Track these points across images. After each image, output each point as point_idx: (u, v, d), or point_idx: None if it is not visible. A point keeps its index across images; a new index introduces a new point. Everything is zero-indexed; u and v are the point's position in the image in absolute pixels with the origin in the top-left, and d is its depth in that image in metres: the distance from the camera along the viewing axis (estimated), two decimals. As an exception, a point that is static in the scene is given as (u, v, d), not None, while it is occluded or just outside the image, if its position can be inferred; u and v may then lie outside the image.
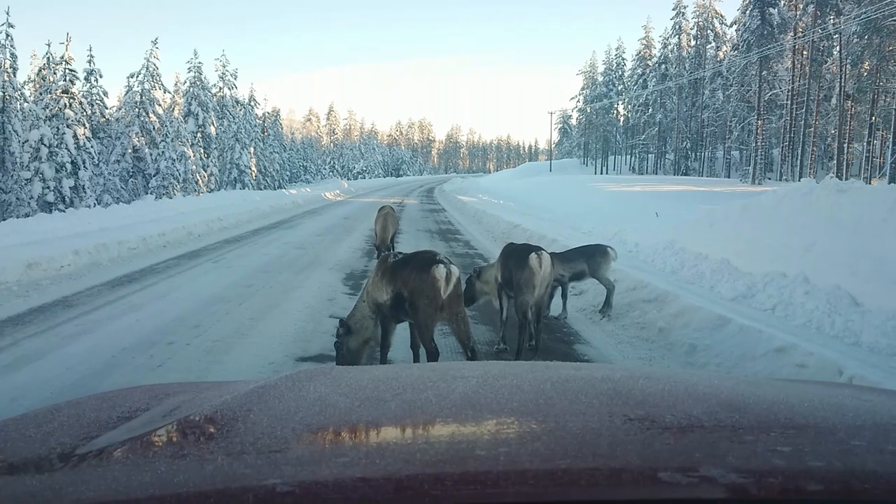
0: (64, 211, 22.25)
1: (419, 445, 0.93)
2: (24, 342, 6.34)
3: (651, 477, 0.78)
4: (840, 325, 6.34)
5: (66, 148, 26.28)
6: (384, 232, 11.63)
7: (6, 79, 28.17)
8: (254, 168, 43.12)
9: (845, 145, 36.66)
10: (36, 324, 7.08)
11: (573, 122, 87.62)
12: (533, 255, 5.74)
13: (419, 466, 0.82)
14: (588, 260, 7.53)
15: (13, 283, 8.93)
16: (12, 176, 26.49)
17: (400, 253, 5.41)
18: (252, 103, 48.82)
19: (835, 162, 37.89)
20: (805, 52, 40.11)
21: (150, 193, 30.75)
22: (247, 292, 8.97)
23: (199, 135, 38.26)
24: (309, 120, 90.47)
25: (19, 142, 26.86)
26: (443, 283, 4.67)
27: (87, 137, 27.81)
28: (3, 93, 27.71)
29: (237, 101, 46.07)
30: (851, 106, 38.01)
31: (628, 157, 74.53)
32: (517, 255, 5.94)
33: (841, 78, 36.57)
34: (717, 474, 0.76)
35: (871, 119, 38.03)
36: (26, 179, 25.81)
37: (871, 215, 8.07)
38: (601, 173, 70.44)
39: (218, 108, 42.43)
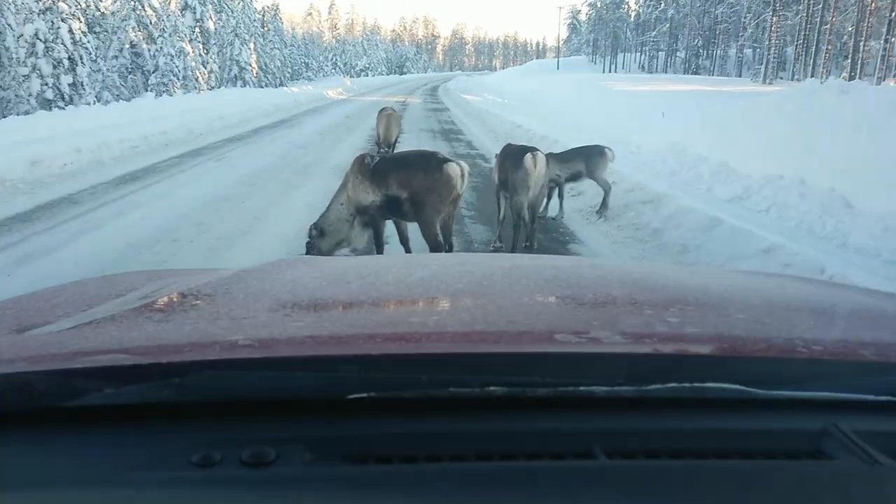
0: (64, 108, 22.09)
1: (363, 315, 1.09)
2: (33, 238, 6.53)
3: (548, 337, 0.92)
4: (831, 227, 6.46)
5: (63, 43, 25.70)
6: (387, 132, 11.83)
7: (-4, -31, 27.24)
8: (254, 65, 42.18)
9: (861, 43, 35.51)
10: (43, 221, 7.25)
11: (582, 17, 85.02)
12: (528, 156, 5.79)
13: (358, 329, 0.97)
14: (585, 160, 7.57)
15: (18, 180, 9.04)
16: (10, 72, 26.05)
17: (377, 155, 5.42)
18: (250, -5, 47.17)
19: (849, 61, 36.85)
20: (827, -57, 38.28)
21: (150, 91, 30.27)
22: (249, 191, 9.08)
23: (197, 29, 37.19)
24: (310, 14, 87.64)
25: (14, 37, 26.25)
26: (459, 181, 4.87)
27: (83, 32, 27.11)
28: (-6, -16, 26.86)
29: (235, -7, 44.52)
30: (871, 1, 36.59)
31: (638, 55, 72.55)
32: (513, 156, 5.99)
33: (862, -29, 35.07)
34: (603, 336, 0.90)
35: (890, 15, 36.65)
36: (24, 76, 25.39)
37: (871, 117, 8.02)
38: (610, 72, 68.77)
39: (216, 0, 41.07)
